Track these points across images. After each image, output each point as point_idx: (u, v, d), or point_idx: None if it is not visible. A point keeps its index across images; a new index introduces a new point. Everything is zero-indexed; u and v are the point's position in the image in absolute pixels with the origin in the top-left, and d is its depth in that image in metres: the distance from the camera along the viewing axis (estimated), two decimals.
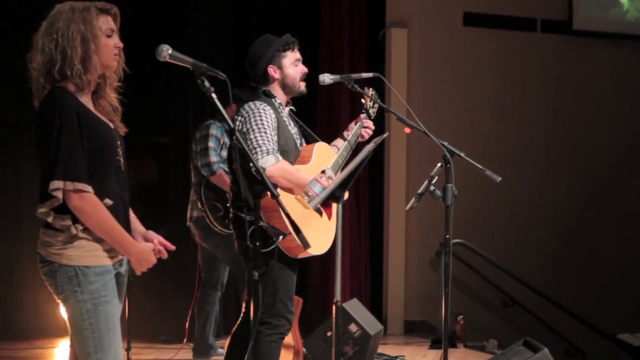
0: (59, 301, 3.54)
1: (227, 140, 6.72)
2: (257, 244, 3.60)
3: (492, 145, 9.48)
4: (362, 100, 5.25)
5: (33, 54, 3.55)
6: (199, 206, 6.52)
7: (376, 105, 5.27)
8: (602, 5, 10.11)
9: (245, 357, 4.02)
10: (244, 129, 4.67)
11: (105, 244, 3.49)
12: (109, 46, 3.57)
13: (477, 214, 9.32)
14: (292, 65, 4.91)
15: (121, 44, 3.63)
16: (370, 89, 5.27)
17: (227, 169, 6.56)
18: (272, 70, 4.88)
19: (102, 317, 3.47)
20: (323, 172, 4.72)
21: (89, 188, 3.39)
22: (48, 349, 7.79)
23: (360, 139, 5.18)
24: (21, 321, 8.20)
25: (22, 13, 8.04)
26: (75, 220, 3.43)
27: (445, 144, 4.77)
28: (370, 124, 5.21)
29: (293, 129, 4.94)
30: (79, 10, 3.53)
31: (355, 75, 5.13)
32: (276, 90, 4.91)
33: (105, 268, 3.51)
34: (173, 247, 3.71)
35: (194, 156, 6.71)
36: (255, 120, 4.67)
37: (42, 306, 7.84)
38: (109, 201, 3.47)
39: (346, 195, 4.88)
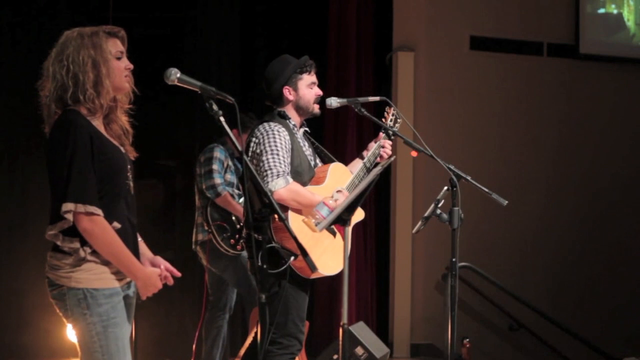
0: (68, 324, 3.55)
1: (231, 163, 6.78)
2: (265, 266, 3.60)
3: (499, 169, 9.48)
4: (383, 120, 5.26)
5: (44, 82, 3.57)
6: (206, 228, 6.54)
7: (397, 125, 5.29)
8: (608, 29, 10.13)
9: None
10: (258, 150, 4.72)
11: (113, 266, 3.51)
12: (119, 69, 3.61)
13: (483, 237, 9.31)
14: (307, 88, 4.94)
15: (131, 66, 3.66)
16: (392, 108, 5.28)
17: (231, 191, 6.60)
18: (287, 92, 4.92)
19: (112, 339, 3.49)
20: (339, 192, 4.74)
21: (99, 211, 3.42)
22: None
23: (378, 159, 5.19)
24: (28, 342, 8.19)
25: (32, 38, 8.08)
26: (84, 243, 3.45)
27: (452, 167, 4.79)
28: (389, 143, 5.22)
29: (307, 150, 4.97)
30: (87, 36, 3.56)
31: (362, 99, 5.15)
32: (290, 111, 4.95)
33: (114, 290, 3.52)
34: (179, 274, 3.73)
35: (198, 179, 6.74)
36: (269, 142, 4.71)
37: (49, 327, 7.83)
38: (117, 224, 3.49)
39: (362, 215, 4.90)
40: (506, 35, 9.77)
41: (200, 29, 8.77)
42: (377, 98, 5.20)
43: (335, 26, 9.21)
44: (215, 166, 6.64)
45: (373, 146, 5.20)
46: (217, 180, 6.57)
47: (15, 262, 8.14)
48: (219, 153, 6.71)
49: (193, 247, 6.84)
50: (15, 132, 8.21)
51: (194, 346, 7.01)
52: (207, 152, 6.76)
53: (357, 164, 5.15)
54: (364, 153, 5.20)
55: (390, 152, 5.23)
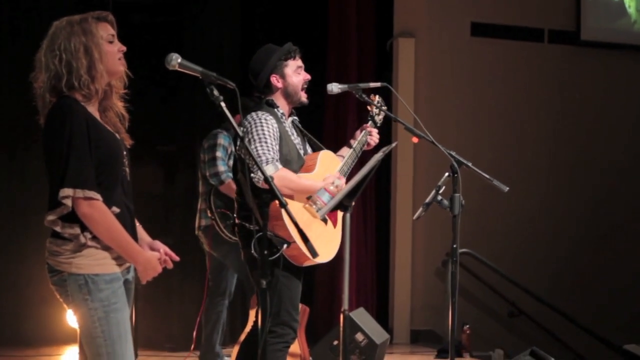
0: (69, 309, 3.55)
1: (235, 149, 6.73)
2: (265, 252, 3.59)
3: (499, 155, 9.47)
4: (368, 108, 5.26)
5: (37, 74, 3.56)
6: (209, 215, 6.53)
7: (382, 113, 5.28)
8: (610, 16, 10.11)
9: None
10: (246, 139, 4.69)
11: (114, 252, 3.50)
12: (112, 52, 3.60)
13: (483, 224, 9.31)
14: (294, 74, 4.93)
15: (124, 48, 3.65)
16: (377, 96, 5.28)
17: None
18: (275, 80, 4.91)
19: (114, 324, 3.49)
20: (332, 182, 4.73)
21: (98, 196, 3.41)
22: (54, 356, 7.82)
23: (366, 147, 5.19)
24: (28, 328, 8.22)
25: (31, 27, 8.07)
26: (84, 229, 3.44)
27: (453, 153, 4.78)
28: (375, 131, 5.22)
29: (296, 139, 4.96)
30: (77, 23, 3.55)
31: (363, 85, 5.14)
32: (279, 99, 4.93)
33: (114, 275, 3.52)
34: (177, 258, 3.72)
35: (202, 165, 6.71)
36: (257, 130, 4.70)
37: (48, 313, 7.86)
38: (116, 209, 3.49)
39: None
40: (507, 22, 9.76)
41: (201, 14, 8.76)
42: (378, 84, 5.19)
43: (336, 12, 9.20)
44: (219, 153, 6.61)
45: (360, 134, 5.19)
46: (221, 167, 6.55)
47: (16, 251, 8.15)
48: (222, 140, 6.67)
49: (196, 232, 6.84)
50: (14, 122, 8.21)
51: (194, 332, 7.02)
52: (211, 139, 6.72)
53: (345, 153, 5.15)
54: (351, 142, 5.20)
55: (377, 140, 5.22)
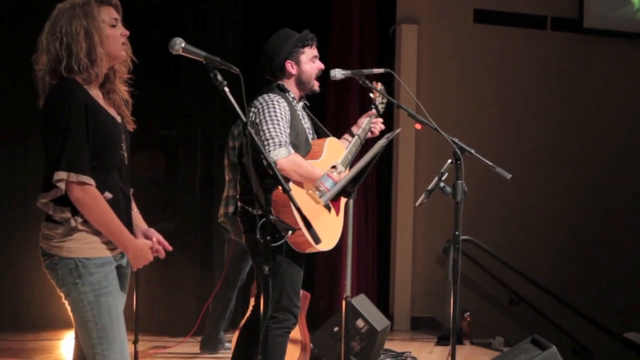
0: (61, 294, 3.53)
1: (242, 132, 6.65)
2: (268, 238, 3.58)
3: (500, 142, 9.46)
4: (371, 95, 5.24)
5: (38, 56, 3.54)
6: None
7: (385, 101, 5.26)
8: (612, 3, 10.08)
9: (259, 352, 4.00)
10: (257, 120, 4.67)
11: (104, 236, 3.49)
12: (115, 36, 3.57)
13: (484, 211, 9.31)
14: (309, 62, 4.90)
15: (127, 32, 3.62)
16: (379, 83, 5.25)
17: None
18: (290, 66, 4.87)
19: (105, 308, 3.47)
20: (334, 167, 4.71)
21: (92, 181, 3.39)
22: (54, 341, 7.82)
23: (369, 135, 5.17)
24: (28, 313, 8.23)
25: (33, 14, 8.03)
26: (75, 213, 3.43)
27: (456, 140, 4.77)
28: (380, 120, 5.21)
29: (306, 123, 4.94)
30: (79, 6, 3.52)
31: (366, 71, 5.11)
32: (290, 85, 4.91)
33: (105, 259, 3.50)
34: (170, 248, 3.70)
35: (231, 152, 6.62)
36: (269, 112, 4.67)
37: (48, 298, 7.84)
38: (108, 194, 3.47)
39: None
40: (510, 9, 9.74)
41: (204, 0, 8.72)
42: (381, 70, 5.17)
43: None
44: None
45: (364, 122, 5.16)
46: None
47: (16, 237, 8.15)
48: None
49: (220, 219, 6.74)
50: (17, 108, 8.19)
51: (200, 317, 7.01)
52: (241, 126, 6.63)
53: (347, 139, 5.13)
54: (354, 129, 5.17)
55: (379, 129, 5.21)
